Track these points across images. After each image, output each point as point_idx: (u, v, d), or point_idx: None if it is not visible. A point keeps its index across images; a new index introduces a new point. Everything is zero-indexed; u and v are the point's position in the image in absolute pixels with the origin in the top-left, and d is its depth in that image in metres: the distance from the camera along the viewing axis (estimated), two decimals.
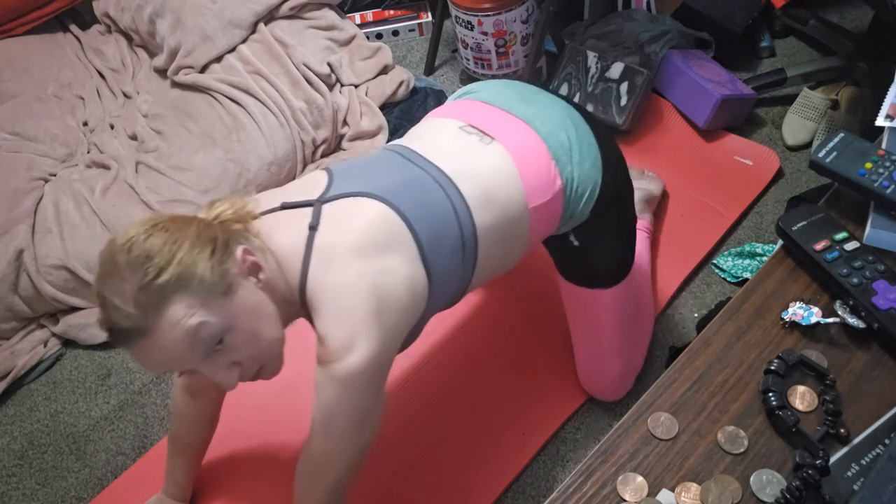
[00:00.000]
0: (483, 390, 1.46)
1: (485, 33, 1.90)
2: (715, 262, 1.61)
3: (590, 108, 1.84)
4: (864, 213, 0.92)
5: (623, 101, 1.81)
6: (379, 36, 2.32)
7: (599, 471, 0.76)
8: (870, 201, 0.91)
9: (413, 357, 1.52)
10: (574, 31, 1.98)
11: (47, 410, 1.61)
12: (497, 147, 1.07)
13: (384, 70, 2.03)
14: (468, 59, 2.01)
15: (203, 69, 1.92)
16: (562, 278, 1.29)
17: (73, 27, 2.23)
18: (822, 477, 0.70)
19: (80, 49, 2.19)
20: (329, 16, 2.03)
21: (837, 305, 0.84)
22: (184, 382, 1.20)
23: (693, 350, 0.85)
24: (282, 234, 0.96)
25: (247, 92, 1.86)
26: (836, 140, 0.94)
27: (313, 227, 0.94)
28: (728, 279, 1.58)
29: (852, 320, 0.82)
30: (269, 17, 1.98)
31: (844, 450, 0.74)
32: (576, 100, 1.86)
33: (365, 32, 2.20)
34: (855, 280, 0.83)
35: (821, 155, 0.93)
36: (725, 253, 1.61)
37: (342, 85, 1.99)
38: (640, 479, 0.75)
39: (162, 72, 2.01)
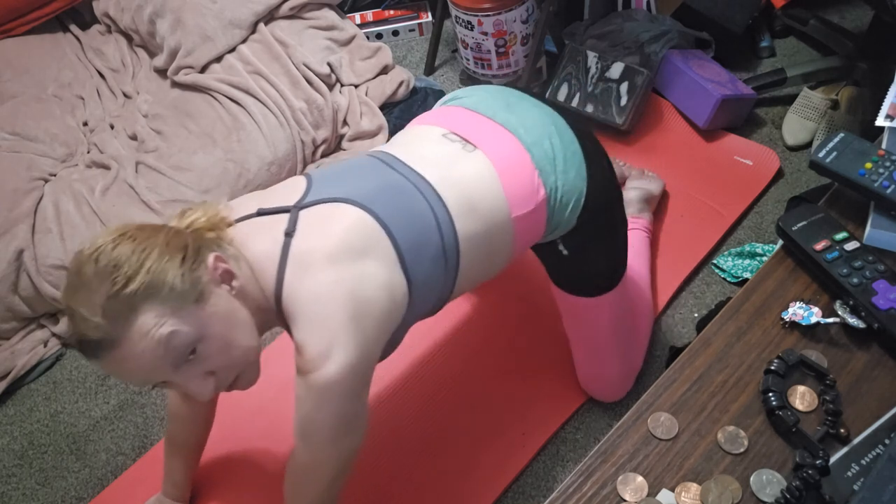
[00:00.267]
0: (483, 390, 1.46)
1: (485, 33, 1.90)
2: (715, 262, 1.61)
3: (590, 108, 1.84)
4: (864, 213, 0.92)
5: (623, 101, 1.81)
6: (379, 36, 2.32)
7: (599, 471, 0.76)
8: (870, 201, 0.91)
9: (413, 357, 1.52)
10: (574, 31, 1.98)
11: (47, 410, 1.61)
12: (479, 156, 1.06)
13: (384, 70, 2.03)
14: (468, 60, 2.01)
15: (203, 69, 1.92)
16: (554, 286, 1.27)
17: (73, 27, 2.22)
18: (822, 477, 0.70)
19: (80, 49, 2.19)
20: (329, 16, 2.03)
21: (837, 305, 0.84)
22: None
23: (693, 350, 0.85)
24: (257, 240, 0.95)
25: (247, 92, 1.86)
26: (836, 140, 0.94)
27: (289, 234, 0.93)
28: (728, 279, 1.58)
29: (852, 320, 0.82)
30: (269, 17, 1.98)
31: (844, 450, 0.74)
32: (576, 100, 1.86)
33: (365, 32, 2.20)
34: (855, 280, 0.83)
35: (821, 155, 0.93)
36: (725, 253, 1.61)
37: (342, 85, 1.99)
38: (640, 479, 0.75)
39: (162, 72, 2.01)
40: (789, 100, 1.88)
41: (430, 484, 1.35)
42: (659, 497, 0.73)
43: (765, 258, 1.51)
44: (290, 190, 1.00)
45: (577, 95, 1.86)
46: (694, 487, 0.73)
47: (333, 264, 0.90)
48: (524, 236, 1.10)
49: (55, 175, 1.84)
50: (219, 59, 1.92)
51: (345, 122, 1.95)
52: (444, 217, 1.00)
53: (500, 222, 1.05)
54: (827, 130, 1.77)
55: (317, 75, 1.92)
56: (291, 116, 1.85)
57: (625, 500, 0.74)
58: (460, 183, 1.03)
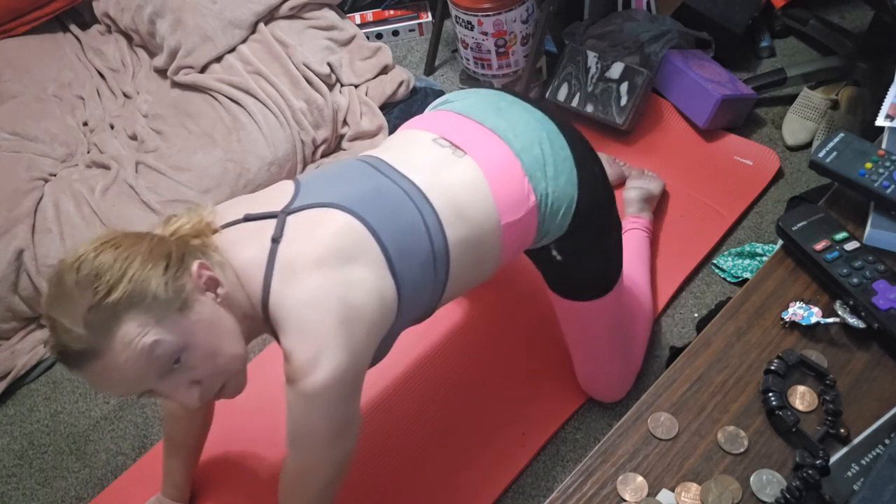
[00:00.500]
0: (483, 390, 1.46)
1: (485, 33, 1.90)
2: (715, 262, 1.61)
3: (590, 108, 1.84)
4: (864, 213, 0.92)
5: (623, 101, 1.81)
6: (379, 36, 2.32)
7: (599, 471, 0.76)
8: (870, 201, 0.91)
9: (413, 358, 1.52)
10: (574, 31, 1.98)
11: (47, 410, 1.61)
12: (469, 162, 1.05)
13: (384, 70, 2.03)
14: (468, 60, 2.01)
15: (203, 69, 1.92)
16: (550, 290, 1.27)
17: (73, 27, 2.22)
18: (822, 477, 0.70)
19: (80, 49, 2.19)
20: (329, 16, 2.03)
21: (837, 305, 0.84)
22: None
23: (693, 350, 0.85)
24: (243, 247, 0.94)
25: (247, 92, 1.86)
26: (836, 140, 0.94)
27: (276, 240, 0.92)
28: (728, 279, 1.58)
29: (852, 320, 0.82)
30: (269, 17, 1.98)
31: (844, 450, 0.74)
32: (576, 100, 1.86)
33: (365, 32, 2.20)
34: (855, 280, 0.83)
35: (821, 155, 0.93)
36: (725, 253, 1.61)
37: (342, 85, 1.99)
38: (640, 479, 0.75)
39: (162, 72, 2.01)
40: (789, 100, 1.88)
41: (430, 483, 1.35)
42: (659, 497, 0.73)
43: (765, 258, 1.51)
44: (278, 195, 0.99)
45: (577, 95, 1.86)
46: (694, 487, 0.73)
47: (321, 270, 0.89)
48: (514, 242, 1.10)
49: (55, 175, 1.84)
50: (219, 59, 1.92)
51: (345, 122, 1.95)
52: (434, 222, 1.00)
53: (489, 229, 1.04)
54: (827, 130, 1.77)
55: (317, 75, 1.92)
56: (291, 116, 1.85)
57: (625, 500, 0.74)
58: (450, 189, 1.02)
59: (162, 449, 1.30)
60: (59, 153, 1.90)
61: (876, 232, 0.89)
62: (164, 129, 1.86)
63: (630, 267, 1.50)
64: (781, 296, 0.88)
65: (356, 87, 2.00)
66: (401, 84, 1.99)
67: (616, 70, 1.82)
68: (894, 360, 0.80)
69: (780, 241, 0.93)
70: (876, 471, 0.69)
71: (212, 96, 1.88)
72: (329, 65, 1.96)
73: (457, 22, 1.94)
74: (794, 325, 0.84)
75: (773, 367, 0.79)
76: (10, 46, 2.12)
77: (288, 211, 0.95)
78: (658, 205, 1.69)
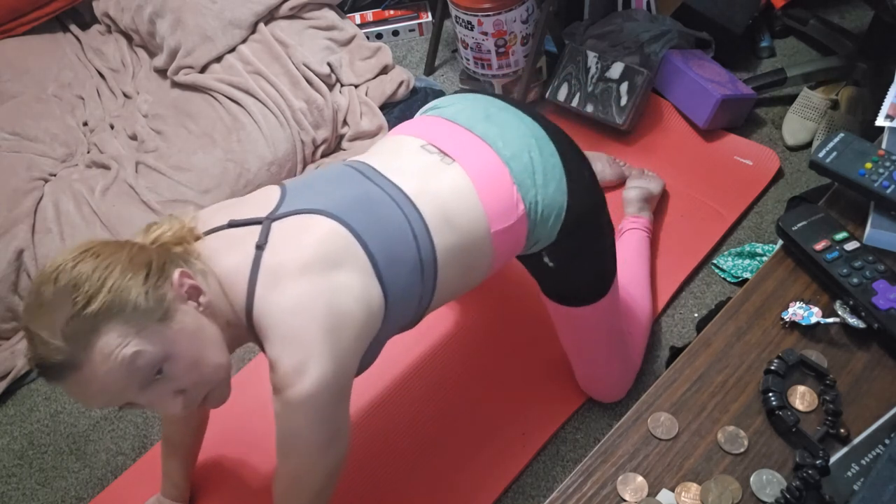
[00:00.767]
0: (483, 390, 1.46)
1: (485, 33, 1.90)
2: (715, 262, 1.61)
3: (590, 108, 1.84)
4: (864, 213, 0.92)
5: (623, 101, 1.81)
6: (379, 36, 2.32)
7: (599, 471, 0.76)
8: (870, 201, 0.91)
9: (413, 357, 1.52)
10: (574, 31, 1.98)
11: (47, 410, 1.61)
12: (457, 169, 1.04)
13: (384, 70, 2.03)
14: (468, 60, 2.01)
15: (203, 69, 1.92)
16: (544, 296, 1.26)
17: (73, 27, 2.23)
18: (822, 477, 0.70)
19: (80, 49, 2.19)
20: (329, 16, 2.03)
21: (837, 305, 0.84)
22: None
23: (693, 350, 0.85)
24: (227, 254, 0.92)
25: (247, 92, 1.86)
26: (836, 140, 0.94)
27: (261, 246, 0.91)
28: (728, 279, 1.58)
29: (852, 320, 0.82)
30: (269, 17, 1.98)
31: (844, 450, 0.74)
32: (576, 100, 1.86)
33: (365, 32, 2.20)
34: (855, 280, 0.83)
35: (821, 155, 0.93)
36: (725, 253, 1.61)
37: (342, 85, 1.99)
38: (640, 479, 0.75)
39: (162, 72, 2.01)
40: (789, 100, 1.88)
41: (430, 483, 1.35)
42: (659, 497, 0.73)
43: (765, 258, 1.51)
44: (264, 200, 0.98)
45: (577, 95, 1.86)
46: (694, 487, 0.73)
47: (306, 276, 0.88)
48: (504, 250, 1.09)
49: (55, 175, 1.84)
50: (219, 59, 1.92)
51: (345, 122, 1.95)
52: (421, 229, 0.99)
53: (478, 237, 1.04)
54: (827, 130, 1.77)
55: (317, 75, 1.92)
56: (291, 116, 1.85)
57: (625, 500, 0.74)
58: (438, 196, 1.02)
59: (160, 450, 1.30)
60: (59, 153, 1.90)
61: (876, 232, 0.89)
62: (164, 129, 1.86)
63: (630, 266, 1.50)
64: (781, 296, 0.88)
65: (356, 87, 2.00)
66: (401, 84, 1.99)
67: (616, 70, 1.82)
68: (894, 360, 0.80)
69: (780, 241, 0.93)
70: (876, 471, 0.69)
71: (212, 96, 1.88)
72: (329, 65, 1.96)
73: (457, 22, 1.94)
74: (794, 325, 0.84)
75: (773, 367, 0.79)
76: (10, 46, 2.12)
77: (273, 217, 0.94)
78: (658, 205, 1.69)
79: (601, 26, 1.94)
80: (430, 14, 2.32)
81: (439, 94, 2.04)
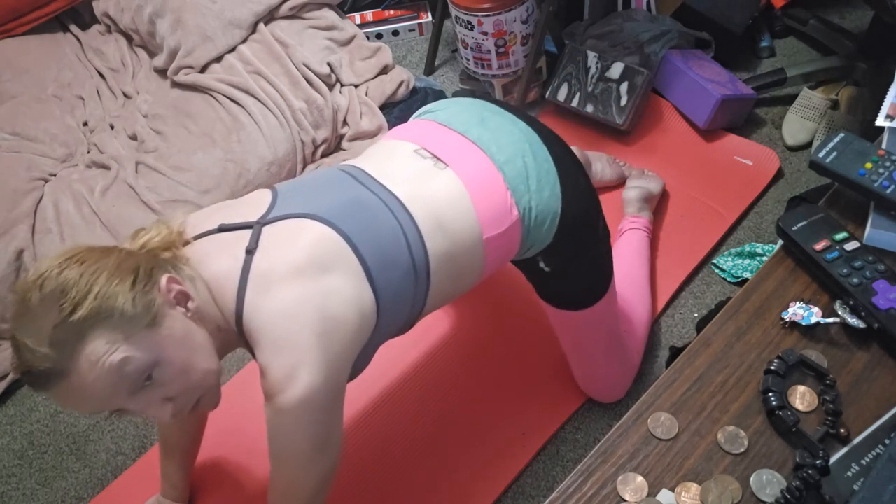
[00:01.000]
0: (483, 390, 1.46)
1: (485, 33, 1.90)
2: (715, 262, 1.61)
3: (590, 108, 1.84)
4: (864, 213, 0.92)
5: (623, 101, 1.81)
6: (379, 36, 2.32)
7: (599, 471, 0.76)
8: (870, 201, 0.91)
9: (412, 357, 1.52)
10: (574, 31, 1.98)
11: (47, 410, 1.61)
12: (450, 174, 1.03)
13: (384, 70, 2.03)
14: (468, 60, 2.01)
15: (203, 69, 1.92)
16: (541, 299, 1.26)
17: (73, 27, 2.22)
18: (822, 477, 0.70)
19: (80, 49, 2.19)
20: (329, 16, 2.03)
21: (837, 305, 0.84)
22: None
23: (693, 350, 0.85)
24: (216, 258, 0.92)
25: (247, 92, 1.86)
26: (836, 140, 0.94)
27: (251, 251, 0.90)
28: (728, 279, 1.58)
29: (852, 320, 0.82)
30: (269, 17, 1.98)
31: (844, 450, 0.74)
32: (576, 100, 1.86)
33: (365, 32, 2.20)
34: (855, 280, 0.83)
35: (821, 155, 0.93)
36: (725, 253, 1.61)
37: (342, 85, 1.99)
38: (640, 478, 0.75)
39: (162, 72, 2.01)
40: (789, 100, 1.88)
41: (429, 484, 1.35)
42: (659, 497, 0.73)
43: (765, 258, 1.51)
44: (255, 204, 0.97)
45: (577, 95, 1.86)
46: (694, 487, 0.73)
47: (296, 281, 0.87)
48: (497, 256, 1.08)
49: (55, 175, 1.84)
50: (219, 59, 1.92)
51: (345, 122, 1.95)
52: (414, 234, 0.98)
53: (471, 242, 1.03)
54: (827, 130, 1.77)
55: (317, 75, 1.92)
56: (291, 116, 1.85)
57: (625, 500, 0.74)
58: (431, 200, 1.01)
59: (158, 451, 1.30)
60: (59, 153, 1.90)
61: (876, 232, 0.89)
62: (164, 129, 1.86)
63: (630, 266, 1.50)
64: (781, 296, 0.88)
65: (356, 87, 2.00)
66: (401, 84, 1.99)
67: (616, 70, 1.82)
68: (894, 360, 0.80)
69: (780, 241, 0.93)
70: (876, 471, 0.69)
71: (212, 96, 1.88)
72: (329, 65, 1.96)
73: (457, 22, 1.94)
74: (794, 325, 0.84)
75: (773, 367, 0.79)
76: (10, 46, 2.12)
77: (264, 221, 0.93)
78: (658, 205, 1.69)
79: (601, 26, 1.94)
80: (430, 14, 2.32)
81: (439, 94, 2.04)
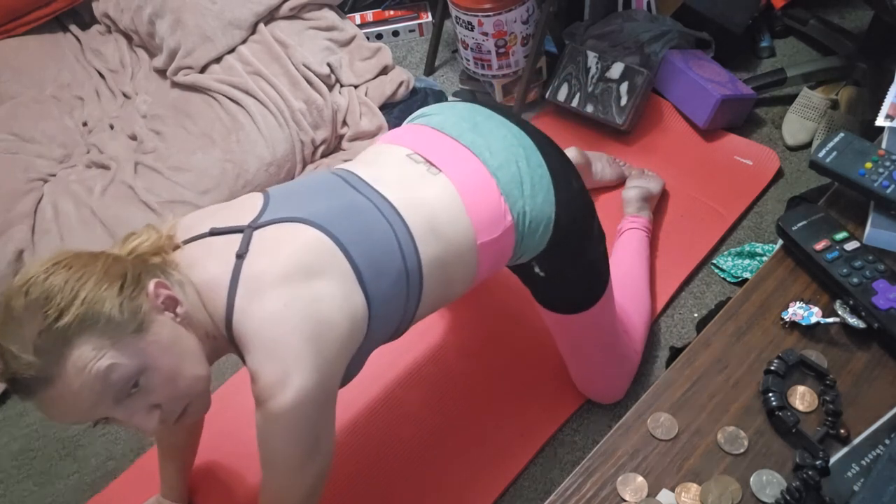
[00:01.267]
0: (481, 392, 1.46)
1: (485, 34, 1.89)
2: (715, 262, 1.60)
3: (590, 108, 1.84)
4: (864, 213, 0.91)
5: (623, 101, 1.81)
6: (379, 36, 2.32)
7: (599, 471, 0.76)
8: (870, 201, 0.91)
9: (410, 358, 1.52)
10: (574, 31, 1.98)
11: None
12: (443, 180, 1.03)
13: (384, 70, 2.03)
14: (468, 60, 2.01)
15: (203, 70, 1.92)
16: (537, 303, 1.25)
17: (73, 27, 2.23)
18: (822, 477, 0.70)
19: (80, 49, 2.19)
20: (329, 16, 2.03)
21: (837, 305, 0.84)
22: None
23: (693, 350, 0.85)
24: (207, 263, 0.91)
25: (246, 92, 1.86)
26: (836, 140, 0.94)
27: (241, 256, 0.89)
28: (728, 279, 1.57)
29: (852, 320, 0.82)
30: (269, 17, 1.98)
31: (844, 450, 0.73)
32: (576, 100, 1.86)
33: (365, 33, 2.20)
34: (855, 280, 0.83)
35: (821, 155, 0.93)
36: (725, 253, 1.61)
37: (342, 85, 1.99)
38: (640, 479, 0.75)
39: (161, 72, 2.01)
40: (789, 100, 1.88)
41: (428, 485, 1.35)
42: (659, 497, 0.73)
43: (765, 258, 1.51)
44: (246, 208, 0.96)
45: (577, 95, 1.86)
46: (694, 488, 0.73)
47: (286, 286, 0.86)
48: (490, 261, 1.08)
49: (54, 175, 1.84)
50: (218, 59, 1.92)
51: (344, 123, 1.95)
52: (406, 239, 0.98)
53: (464, 248, 1.02)
54: (827, 130, 1.77)
55: (316, 76, 1.92)
56: (291, 117, 1.85)
57: (625, 501, 0.74)
58: (424, 206, 1.01)
59: (157, 452, 1.30)
60: (58, 154, 1.90)
61: (876, 231, 0.88)
62: (164, 129, 1.86)
63: (629, 266, 1.50)
64: (781, 296, 0.88)
65: (356, 87, 2.00)
66: (401, 84, 1.99)
67: (616, 70, 1.82)
68: (894, 360, 0.80)
69: (780, 241, 0.93)
70: (876, 471, 0.69)
71: (211, 97, 1.87)
72: (329, 65, 1.96)
73: (457, 22, 1.94)
74: (794, 325, 0.84)
75: (773, 368, 0.79)
76: (10, 47, 2.12)
77: (255, 226, 0.92)
78: (658, 205, 1.69)
79: (601, 26, 1.94)
80: (430, 14, 2.32)
81: (439, 94, 2.04)
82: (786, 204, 1.67)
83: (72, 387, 0.78)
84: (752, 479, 0.73)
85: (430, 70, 2.21)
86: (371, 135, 1.93)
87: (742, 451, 0.75)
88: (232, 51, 1.93)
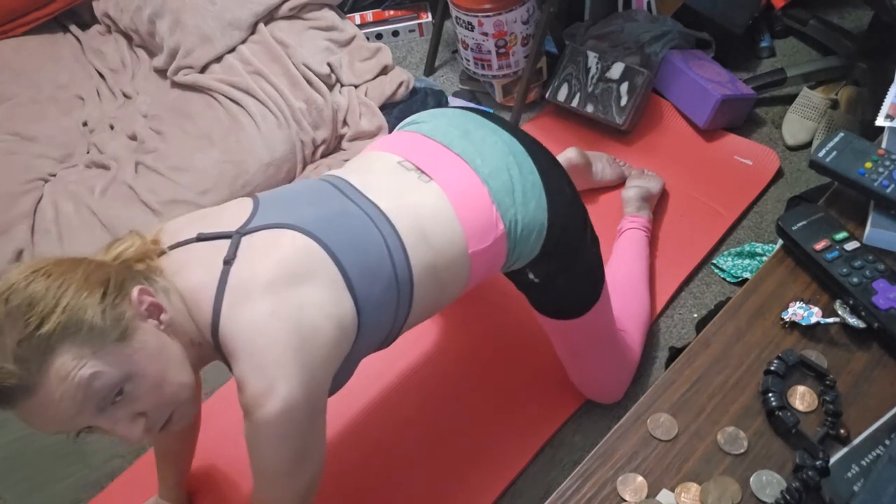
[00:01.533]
0: (480, 393, 1.45)
1: (485, 34, 1.89)
2: (715, 262, 1.60)
3: (590, 108, 1.84)
4: (864, 213, 0.91)
5: (623, 101, 1.81)
6: (379, 36, 2.32)
7: (599, 472, 0.76)
8: (870, 201, 0.91)
9: (408, 360, 1.51)
10: (574, 31, 1.98)
11: None
12: (434, 188, 1.02)
13: (384, 70, 2.03)
14: (468, 60, 2.01)
15: (203, 70, 1.92)
16: (533, 309, 1.25)
17: (73, 27, 2.23)
18: (822, 478, 0.70)
19: (80, 49, 2.19)
20: (329, 16, 2.03)
21: (837, 305, 0.83)
22: None
23: (693, 351, 0.84)
24: (193, 269, 0.89)
25: (246, 92, 1.86)
26: (836, 139, 0.94)
27: (228, 262, 0.88)
28: (728, 279, 1.57)
29: (852, 320, 0.81)
30: (269, 17, 1.98)
31: (844, 450, 0.73)
32: (576, 100, 1.86)
33: (365, 33, 2.20)
34: (855, 280, 0.83)
35: (821, 154, 0.92)
36: (725, 253, 1.61)
37: (342, 85, 1.99)
38: (639, 479, 0.75)
39: (161, 72, 2.01)
40: (789, 100, 1.88)
41: (426, 487, 1.35)
42: (659, 497, 0.73)
43: (765, 258, 1.51)
44: (235, 213, 0.95)
45: (578, 95, 1.86)
46: (694, 488, 0.73)
47: (273, 293, 0.85)
48: (482, 269, 1.07)
49: (54, 175, 1.84)
50: (218, 59, 1.92)
51: (344, 123, 1.95)
52: (397, 246, 0.97)
53: (456, 256, 1.02)
54: (827, 130, 1.77)
55: (316, 76, 1.92)
56: (291, 117, 1.85)
57: (625, 501, 0.73)
58: (415, 213, 1.00)
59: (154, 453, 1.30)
60: (58, 154, 1.90)
61: (876, 231, 0.88)
62: (164, 129, 1.86)
63: (628, 266, 1.50)
64: (781, 296, 0.88)
65: (356, 87, 2.00)
66: (400, 84, 1.99)
67: (616, 70, 1.82)
68: (894, 360, 0.80)
69: (780, 241, 0.92)
70: (876, 472, 0.69)
71: (211, 97, 1.87)
72: (329, 65, 1.96)
73: (457, 22, 1.94)
74: (794, 325, 0.84)
75: (772, 368, 0.79)
76: (9, 47, 2.12)
77: (243, 231, 0.91)
78: (658, 205, 1.69)
79: (602, 27, 1.94)
80: (430, 15, 2.32)
81: (439, 94, 2.04)
82: (786, 204, 1.67)
83: (53, 396, 0.76)
84: (751, 479, 0.73)
85: (430, 70, 2.21)
86: (371, 135, 1.93)
87: (742, 451, 0.75)
88: (232, 51, 1.93)
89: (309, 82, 1.91)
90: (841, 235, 0.88)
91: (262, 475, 0.92)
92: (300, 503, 0.96)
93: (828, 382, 0.78)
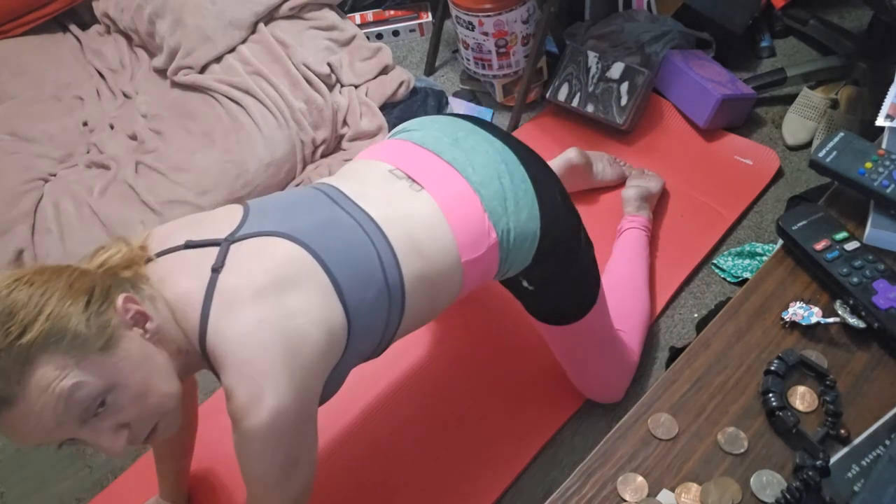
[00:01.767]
0: (481, 393, 1.45)
1: (485, 34, 1.89)
2: (715, 261, 1.60)
3: (590, 108, 1.84)
4: (864, 213, 0.91)
5: (623, 101, 1.81)
6: (379, 36, 2.32)
7: (599, 472, 0.76)
8: (870, 201, 0.91)
9: (411, 360, 1.51)
10: (575, 31, 1.98)
11: None
12: (425, 197, 1.02)
13: (384, 70, 2.03)
14: (469, 60, 2.01)
15: (203, 69, 1.92)
16: (529, 315, 1.25)
17: (73, 27, 2.22)
18: (822, 478, 0.70)
19: (80, 49, 2.19)
20: (329, 16, 2.03)
21: (837, 305, 0.83)
22: None
23: (693, 351, 0.84)
24: (180, 277, 0.88)
25: (246, 92, 1.86)
26: (836, 139, 0.94)
27: (217, 269, 0.87)
28: (728, 279, 1.57)
29: (852, 320, 0.81)
30: (269, 17, 1.98)
31: (845, 450, 0.73)
32: (576, 100, 1.86)
33: (365, 33, 2.20)
34: (855, 279, 0.83)
35: (821, 154, 0.92)
36: (725, 253, 1.61)
37: (342, 85, 1.99)
38: (640, 479, 0.75)
39: (161, 72, 2.01)
40: (789, 99, 1.88)
41: (426, 488, 1.35)
42: (659, 497, 0.73)
43: (765, 258, 1.51)
44: (224, 220, 0.94)
45: (578, 95, 1.86)
46: (694, 488, 0.73)
47: (262, 301, 0.84)
48: (475, 278, 1.06)
49: (55, 175, 1.84)
50: (218, 59, 1.92)
51: (345, 123, 1.95)
52: (388, 255, 0.96)
53: (448, 265, 1.01)
54: (827, 130, 1.77)
55: (317, 75, 1.92)
56: (291, 117, 1.85)
57: (625, 501, 0.73)
58: (406, 223, 0.99)
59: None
60: (58, 154, 1.90)
61: (876, 231, 0.88)
62: (164, 129, 1.86)
63: (628, 266, 1.50)
64: (781, 296, 0.88)
65: (356, 87, 2.00)
66: (401, 84, 1.99)
67: (616, 70, 1.82)
68: (894, 360, 0.80)
69: (780, 241, 0.92)
70: (876, 472, 0.69)
71: (211, 96, 1.87)
72: (329, 65, 1.96)
73: (457, 22, 1.94)
74: (794, 325, 0.84)
75: (773, 368, 0.79)
76: (9, 47, 2.12)
77: (232, 239, 0.90)
78: (658, 205, 1.69)
79: (602, 27, 1.94)
80: (430, 14, 2.32)
81: (439, 94, 2.04)
82: (786, 204, 1.67)
83: (34, 407, 0.74)
84: (752, 479, 0.73)
85: (430, 70, 2.21)
86: (371, 135, 1.93)
87: (742, 451, 0.75)
88: (232, 50, 1.93)
89: (309, 82, 1.91)
90: (841, 235, 0.88)
91: (253, 484, 0.91)
92: None
93: (828, 382, 0.78)
